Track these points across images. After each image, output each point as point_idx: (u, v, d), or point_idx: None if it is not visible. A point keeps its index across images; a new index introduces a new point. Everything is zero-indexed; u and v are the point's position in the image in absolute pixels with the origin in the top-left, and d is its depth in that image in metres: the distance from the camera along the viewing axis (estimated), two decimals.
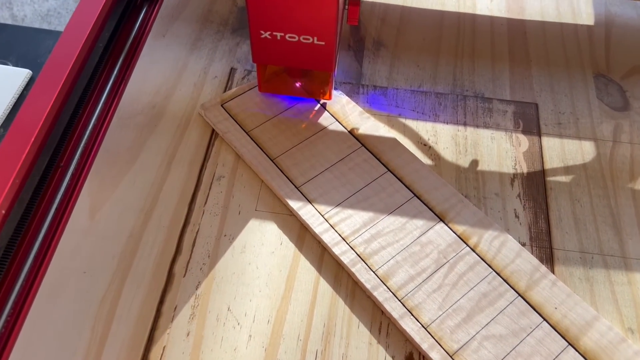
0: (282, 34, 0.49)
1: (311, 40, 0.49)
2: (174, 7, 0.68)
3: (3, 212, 0.41)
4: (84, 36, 0.52)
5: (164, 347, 0.46)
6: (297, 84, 0.58)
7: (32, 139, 0.44)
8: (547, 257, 0.51)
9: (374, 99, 0.62)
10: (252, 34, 0.51)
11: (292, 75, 0.58)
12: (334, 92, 0.61)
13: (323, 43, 0.49)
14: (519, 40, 0.68)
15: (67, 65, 0.50)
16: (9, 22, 1.67)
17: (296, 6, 0.48)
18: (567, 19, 0.70)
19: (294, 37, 0.49)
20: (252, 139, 0.57)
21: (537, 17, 0.70)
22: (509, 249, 0.50)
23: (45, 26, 1.66)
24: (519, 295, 0.48)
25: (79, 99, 0.55)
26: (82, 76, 0.54)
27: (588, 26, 0.69)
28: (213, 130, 0.58)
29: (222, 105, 0.59)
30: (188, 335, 0.46)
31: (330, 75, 0.56)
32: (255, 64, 0.58)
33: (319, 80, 0.58)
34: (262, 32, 0.49)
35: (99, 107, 0.56)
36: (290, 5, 0.48)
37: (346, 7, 0.53)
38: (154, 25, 0.65)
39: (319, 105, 0.59)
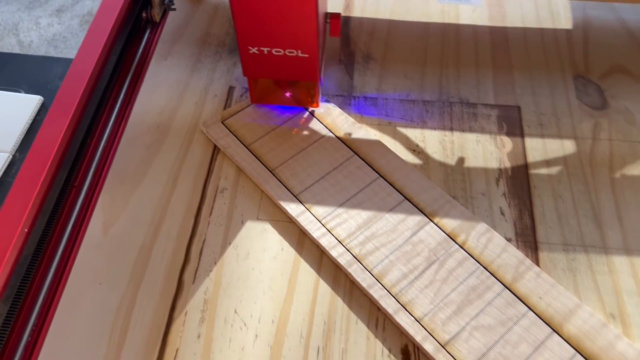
0: (269, 49, 0.53)
1: (295, 53, 0.53)
2: (174, 32, 0.72)
3: (26, 230, 0.45)
4: (92, 63, 0.57)
5: (177, 350, 0.49)
6: (287, 94, 0.62)
7: (49, 163, 0.48)
8: (532, 250, 0.55)
9: (365, 109, 0.65)
10: (241, 50, 0.55)
11: (282, 86, 0.62)
12: (328, 105, 0.64)
13: (307, 55, 0.53)
14: (501, 47, 0.71)
15: (78, 92, 0.55)
16: (16, 48, 1.72)
17: (279, 22, 0.52)
18: (547, 24, 0.73)
19: (280, 51, 0.53)
20: (251, 152, 0.61)
21: (518, 24, 0.74)
22: (495, 244, 0.54)
23: (52, 50, 1.71)
24: (506, 287, 0.51)
25: (90, 122, 0.59)
26: (91, 100, 0.58)
27: (567, 30, 0.73)
28: (215, 145, 0.62)
29: (222, 122, 0.63)
30: (199, 337, 0.50)
31: (316, 84, 0.60)
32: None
33: (306, 89, 0.62)
34: (250, 47, 0.54)
35: (108, 129, 0.60)
36: (273, 22, 0.52)
37: (328, 20, 0.57)
38: (156, 49, 0.69)
39: (307, 112, 0.63)
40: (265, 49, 0.53)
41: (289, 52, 0.53)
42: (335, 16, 0.55)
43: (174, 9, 0.68)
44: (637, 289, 0.52)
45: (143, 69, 0.66)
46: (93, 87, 0.57)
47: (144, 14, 0.65)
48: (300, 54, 0.53)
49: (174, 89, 0.67)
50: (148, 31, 0.67)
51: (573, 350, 0.48)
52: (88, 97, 0.56)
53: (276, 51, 0.53)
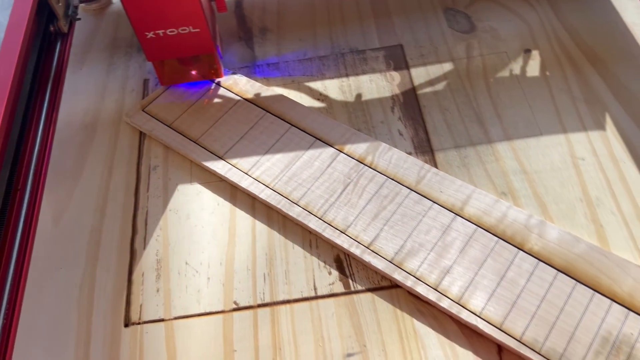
0: (163, 31, 0.60)
1: (188, 29, 0.60)
2: (84, 42, 0.78)
3: None
4: (8, 81, 0.62)
5: (141, 305, 0.55)
6: (193, 72, 0.69)
7: None
8: (430, 158, 0.63)
9: (269, 73, 0.73)
10: (139, 37, 0.62)
11: (186, 64, 0.69)
12: (234, 76, 0.72)
13: (198, 30, 0.60)
14: None
15: (0, 107, 0.60)
16: None
17: (166, 5, 0.58)
18: None
19: (174, 31, 0.60)
20: (174, 130, 0.67)
21: None
22: (398, 158, 0.62)
23: None
24: (411, 190, 0.60)
25: (19, 134, 0.65)
26: (16, 114, 0.63)
27: None
28: (140, 132, 0.68)
29: (143, 110, 0.69)
30: (158, 291, 0.56)
31: (214, 55, 0.67)
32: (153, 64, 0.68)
33: (208, 62, 0.69)
34: (147, 33, 0.60)
35: (39, 137, 0.66)
36: (161, 5, 0.59)
37: None
38: (70, 61, 0.75)
39: (215, 85, 0.70)
40: (160, 32, 0.60)
41: (182, 30, 0.60)
42: None
43: (79, 19, 0.73)
44: (520, 168, 0.62)
45: (61, 78, 0.71)
46: (14, 102, 0.63)
47: (51, 28, 0.70)
48: (192, 30, 0.60)
49: (94, 92, 0.72)
50: (59, 43, 0.73)
51: (474, 226, 0.57)
52: (11, 111, 0.62)
53: (170, 31, 0.60)
